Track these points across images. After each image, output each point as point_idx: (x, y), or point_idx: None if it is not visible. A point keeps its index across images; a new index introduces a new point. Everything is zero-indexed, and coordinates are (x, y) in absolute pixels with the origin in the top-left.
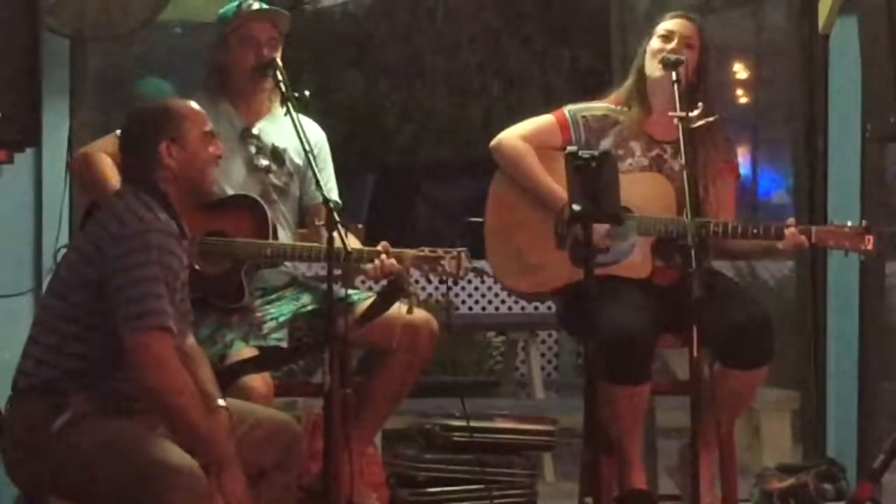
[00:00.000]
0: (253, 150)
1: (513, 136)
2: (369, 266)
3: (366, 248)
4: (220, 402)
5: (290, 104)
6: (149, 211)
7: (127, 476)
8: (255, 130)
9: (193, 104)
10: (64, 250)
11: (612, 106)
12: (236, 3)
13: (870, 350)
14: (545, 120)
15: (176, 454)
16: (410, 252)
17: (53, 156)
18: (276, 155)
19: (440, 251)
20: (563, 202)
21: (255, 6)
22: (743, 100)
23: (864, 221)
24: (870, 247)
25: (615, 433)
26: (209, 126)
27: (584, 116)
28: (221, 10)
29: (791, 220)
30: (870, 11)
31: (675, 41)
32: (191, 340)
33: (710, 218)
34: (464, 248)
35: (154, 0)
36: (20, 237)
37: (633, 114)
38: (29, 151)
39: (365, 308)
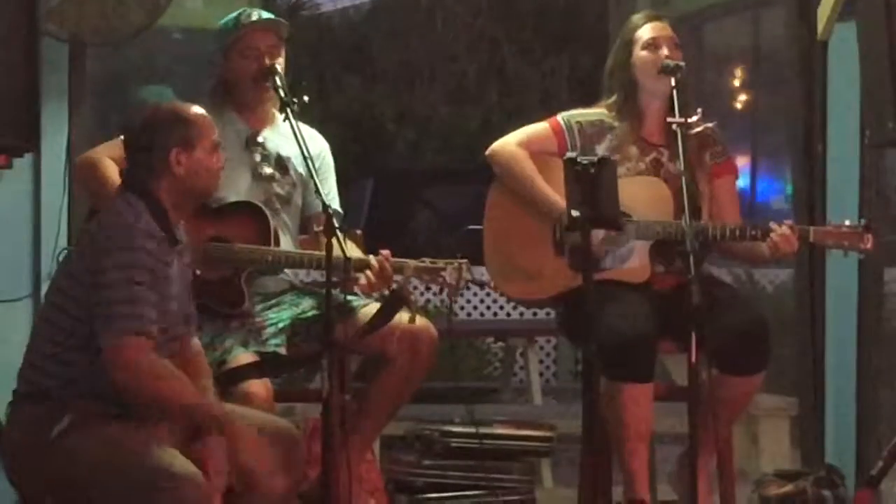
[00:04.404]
0: (258, 158)
1: (508, 143)
2: (362, 278)
3: (367, 258)
4: None
5: (288, 110)
6: (135, 215)
7: (126, 483)
8: (259, 139)
9: (202, 111)
10: (64, 253)
11: (606, 112)
12: (235, 13)
13: (868, 356)
14: (540, 127)
15: (176, 461)
16: (411, 263)
17: (52, 161)
18: (281, 164)
19: (441, 262)
20: (559, 209)
21: (255, 16)
22: (741, 106)
23: (862, 220)
24: (869, 246)
25: (619, 439)
26: (217, 136)
27: (578, 122)
28: (222, 22)
29: (788, 222)
30: (868, 18)
31: (666, 47)
32: (195, 342)
33: (710, 219)
34: (465, 260)
35: (152, 5)
36: (18, 242)
37: (626, 124)
38: (28, 156)
39: (366, 321)
